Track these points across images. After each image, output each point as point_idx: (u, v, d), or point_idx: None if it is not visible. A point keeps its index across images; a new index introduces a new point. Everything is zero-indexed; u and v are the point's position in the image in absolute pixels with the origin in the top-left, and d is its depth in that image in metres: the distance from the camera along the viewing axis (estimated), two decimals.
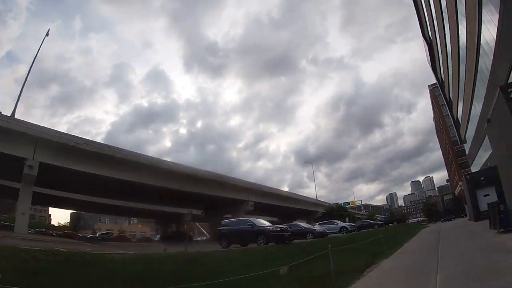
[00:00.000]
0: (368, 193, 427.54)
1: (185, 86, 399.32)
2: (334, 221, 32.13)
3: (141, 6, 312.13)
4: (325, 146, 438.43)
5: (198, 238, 69.08)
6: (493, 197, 21.10)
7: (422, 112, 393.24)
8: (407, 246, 16.09)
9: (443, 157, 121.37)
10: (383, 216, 68.36)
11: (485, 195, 23.93)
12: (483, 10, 16.56)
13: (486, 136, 26.78)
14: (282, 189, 71.80)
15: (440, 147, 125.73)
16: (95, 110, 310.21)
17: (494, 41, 16.12)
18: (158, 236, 74.10)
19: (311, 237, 21.22)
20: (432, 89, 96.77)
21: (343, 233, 27.64)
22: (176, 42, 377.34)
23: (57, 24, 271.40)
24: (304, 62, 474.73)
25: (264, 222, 18.42)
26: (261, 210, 58.67)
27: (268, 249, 14.62)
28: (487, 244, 10.08)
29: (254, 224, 17.13)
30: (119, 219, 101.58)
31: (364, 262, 11.15)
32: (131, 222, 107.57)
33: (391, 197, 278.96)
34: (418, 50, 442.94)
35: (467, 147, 43.12)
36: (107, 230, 77.59)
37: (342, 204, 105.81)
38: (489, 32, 17.18)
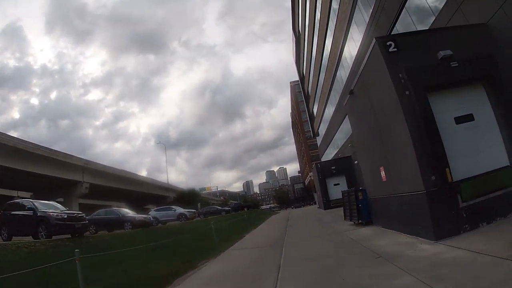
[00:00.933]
0: (226, 180, 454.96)
1: (44, 49, 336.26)
2: (172, 207, 28.91)
3: None
4: (187, 131, 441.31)
5: None
6: (343, 187, 21.35)
7: (282, 109, 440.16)
8: (247, 239, 13.52)
9: (296, 150, 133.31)
10: (234, 202, 66.48)
11: (335, 184, 24.07)
12: (350, 30, 17.93)
13: (336, 134, 28.48)
14: (140, 173, 64.74)
15: (294, 141, 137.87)
16: None
17: (354, 58, 17.66)
18: None
19: (130, 227, 17.08)
20: (293, 85, 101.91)
21: (181, 221, 24.72)
22: None
23: None
24: (175, 44, 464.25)
25: (53, 206, 13.68)
26: (102, 194, 51.58)
27: (32, 246, 9.53)
28: (346, 243, 7.85)
29: (36, 208, 12.61)
30: None
31: (179, 264, 8.01)
32: None
33: (247, 185, 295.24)
34: (286, 53, 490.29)
35: (318, 140, 46.04)
36: None
37: (198, 190, 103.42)
38: (350, 50, 18.88)
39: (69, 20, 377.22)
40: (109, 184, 47.79)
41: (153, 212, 26.10)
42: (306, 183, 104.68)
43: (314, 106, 41.73)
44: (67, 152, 40.21)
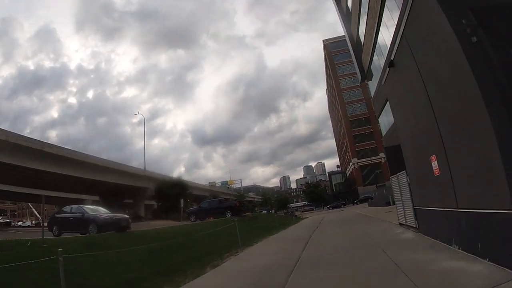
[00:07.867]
0: (263, 175, 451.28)
1: (78, 50, 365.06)
2: None
3: None
4: (222, 126, 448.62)
5: None
6: None
7: (317, 102, 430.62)
8: None
9: (335, 136, 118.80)
10: (209, 200, 35.35)
11: None
12: None
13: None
14: (178, 170, 51.26)
15: (331, 122, 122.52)
16: None
17: None
18: None
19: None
20: (327, 44, 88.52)
21: None
22: None
23: None
24: (204, 38, 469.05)
25: None
26: (15, 177, 40.73)
27: None
28: None
29: None
30: None
31: None
32: None
33: (284, 180, 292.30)
34: (319, 43, 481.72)
35: (371, 87, 27.90)
36: None
37: (220, 184, 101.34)
38: None
39: (97, 18, 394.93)
40: (24, 163, 33.95)
41: None
42: (348, 174, 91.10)
43: (360, 28, 23.93)
44: None
